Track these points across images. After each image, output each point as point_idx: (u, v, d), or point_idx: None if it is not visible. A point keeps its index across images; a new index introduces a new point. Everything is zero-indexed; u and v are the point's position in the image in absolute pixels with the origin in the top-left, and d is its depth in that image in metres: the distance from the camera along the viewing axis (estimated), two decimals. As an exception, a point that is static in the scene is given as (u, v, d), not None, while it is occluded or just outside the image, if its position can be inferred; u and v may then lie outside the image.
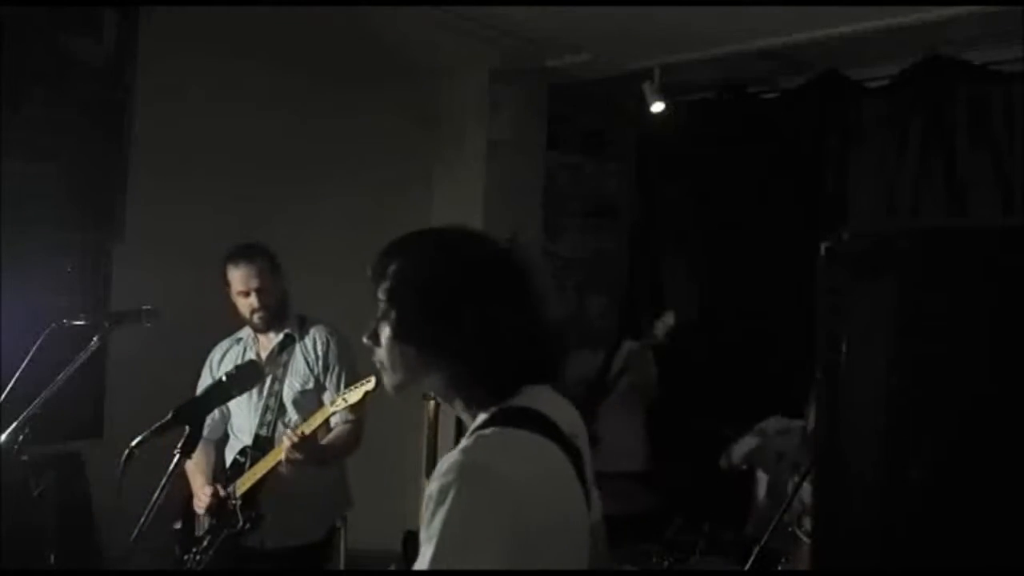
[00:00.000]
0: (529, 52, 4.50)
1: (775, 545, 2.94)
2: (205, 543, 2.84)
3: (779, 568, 3.22)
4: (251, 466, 2.86)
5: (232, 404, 2.96)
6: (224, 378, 1.68)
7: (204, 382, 3.07)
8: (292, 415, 2.93)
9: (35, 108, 3.37)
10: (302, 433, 2.66)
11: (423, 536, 1.25)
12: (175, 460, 1.56)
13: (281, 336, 2.99)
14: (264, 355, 3.01)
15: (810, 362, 2.06)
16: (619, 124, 5.68)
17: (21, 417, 2.46)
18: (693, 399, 4.78)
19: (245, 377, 1.66)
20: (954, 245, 1.94)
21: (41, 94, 3.38)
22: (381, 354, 1.42)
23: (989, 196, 4.16)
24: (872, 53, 4.43)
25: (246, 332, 3.09)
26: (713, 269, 5.16)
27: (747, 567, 2.56)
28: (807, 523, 3.02)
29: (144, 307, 2.73)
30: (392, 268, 1.40)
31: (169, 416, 1.61)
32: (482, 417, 1.39)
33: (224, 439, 3.11)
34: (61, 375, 2.50)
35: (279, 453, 2.76)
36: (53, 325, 2.60)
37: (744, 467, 3.85)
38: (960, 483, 1.81)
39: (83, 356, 2.58)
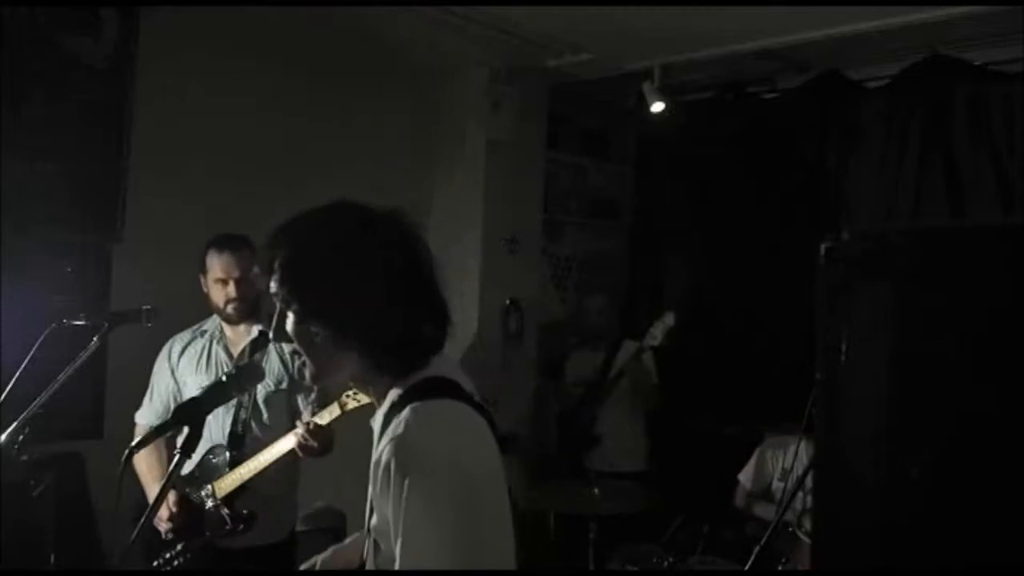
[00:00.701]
0: (529, 52, 4.50)
1: (775, 545, 2.94)
2: (180, 547, 2.77)
3: (779, 568, 3.22)
4: (232, 465, 2.80)
5: (186, 398, 2.87)
6: (225, 378, 1.66)
7: (161, 374, 2.99)
8: (264, 414, 2.89)
9: (35, 108, 3.36)
10: (318, 425, 2.62)
11: (388, 523, 1.30)
12: (175, 460, 1.55)
13: (255, 332, 2.88)
14: (235, 350, 2.95)
15: (810, 362, 2.06)
16: (619, 124, 5.68)
17: (21, 417, 2.46)
18: (693, 399, 4.78)
19: (246, 377, 1.66)
20: (954, 245, 1.94)
21: (41, 94, 3.37)
22: (296, 346, 1.43)
23: (989, 196, 4.17)
24: (872, 53, 4.43)
25: (211, 324, 3.02)
26: (713, 269, 5.16)
27: (747, 567, 2.56)
28: (807, 523, 3.03)
29: (144, 307, 2.72)
30: (279, 260, 1.40)
31: (169, 416, 1.61)
32: (395, 392, 1.41)
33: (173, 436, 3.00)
34: (61, 375, 2.50)
35: (273, 454, 2.71)
36: (53, 325, 2.60)
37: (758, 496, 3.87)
38: (960, 483, 1.81)
39: (83, 356, 2.58)
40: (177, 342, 3.02)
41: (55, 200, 3.43)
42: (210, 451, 2.86)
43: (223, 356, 2.95)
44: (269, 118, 4.00)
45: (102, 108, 3.54)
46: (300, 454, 2.69)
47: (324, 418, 2.64)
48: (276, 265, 1.41)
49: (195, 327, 3.03)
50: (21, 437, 2.46)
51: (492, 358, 4.71)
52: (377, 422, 1.44)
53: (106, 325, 2.65)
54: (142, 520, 1.54)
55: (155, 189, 3.64)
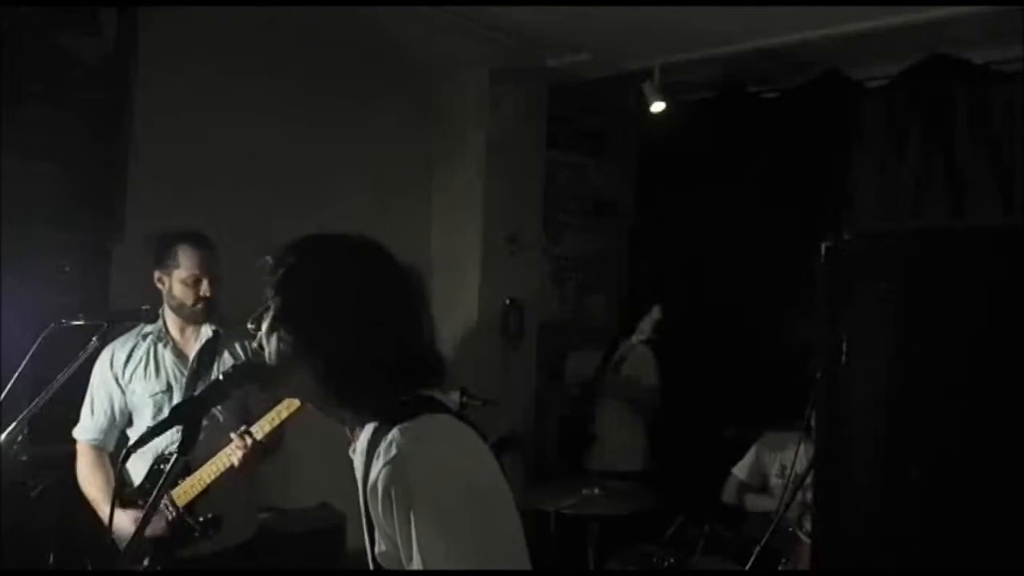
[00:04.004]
0: (529, 52, 4.50)
1: (775, 545, 2.94)
2: (147, 561, 2.64)
3: (779, 568, 3.22)
4: (185, 473, 2.64)
5: (134, 407, 2.79)
6: (223, 377, 1.66)
7: (103, 385, 2.82)
8: (219, 416, 2.72)
9: (34, 107, 3.36)
10: (254, 439, 2.52)
11: (397, 548, 1.32)
12: (173, 460, 1.55)
13: (209, 333, 2.81)
14: (188, 351, 2.82)
15: (810, 362, 2.06)
16: (619, 124, 5.68)
17: (21, 417, 2.46)
18: (693, 399, 4.78)
19: (243, 376, 1.65)
20: (954, 245, 1.94)
21: (40, 93, 3.37)
22: (260, 338, 1.45)
23: (989, 196, 4.17)
24: (872, 53, 4.43)
25: (154, 327, 2.84)
26: (713, 269, 5.16)
27: (747, 567, 2.56)
28: (807, 523, 3.02)
29: (144, 307, 2.72)
30: (284, 264, 1.44)
31: (166, 416, 1.60)
32: (371, 426, 1.41)
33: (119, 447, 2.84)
34: (61, 375, 2.50)
35: (226, 458, 2.58)
36: (53, 325, 2.60)
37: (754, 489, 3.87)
38: (959, 483, 1.81)
39: (83, 356, 2.57)
40: (119, 349, 2.83)
41: (55, 199, 3.43)
42: (158, 460, 2.72)
43: (171, 358, 2.81)
44: (269, 118, 4.00)
45: (102, 108, 3.54)
46: (238, 466, 2.54)
47: (262, 430, 2.52)
48: (278, 269, 1.43)
49: (135, 331, 2.86)
50: (21, 437, 2.46)
51: (492, 358, 4.71)
52: (360, 451, 1.43)
53: (106, 325, 2.64)
54: (142, 518, 1.54)
55: (155, 189, 3.64)
